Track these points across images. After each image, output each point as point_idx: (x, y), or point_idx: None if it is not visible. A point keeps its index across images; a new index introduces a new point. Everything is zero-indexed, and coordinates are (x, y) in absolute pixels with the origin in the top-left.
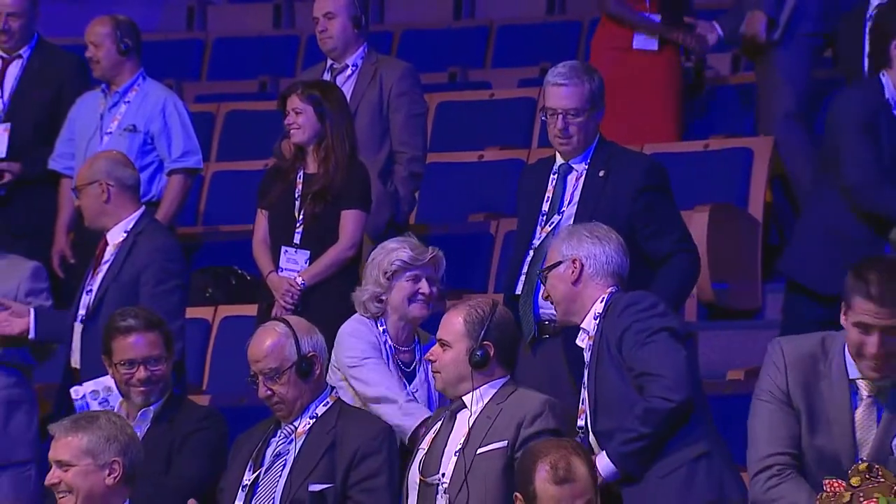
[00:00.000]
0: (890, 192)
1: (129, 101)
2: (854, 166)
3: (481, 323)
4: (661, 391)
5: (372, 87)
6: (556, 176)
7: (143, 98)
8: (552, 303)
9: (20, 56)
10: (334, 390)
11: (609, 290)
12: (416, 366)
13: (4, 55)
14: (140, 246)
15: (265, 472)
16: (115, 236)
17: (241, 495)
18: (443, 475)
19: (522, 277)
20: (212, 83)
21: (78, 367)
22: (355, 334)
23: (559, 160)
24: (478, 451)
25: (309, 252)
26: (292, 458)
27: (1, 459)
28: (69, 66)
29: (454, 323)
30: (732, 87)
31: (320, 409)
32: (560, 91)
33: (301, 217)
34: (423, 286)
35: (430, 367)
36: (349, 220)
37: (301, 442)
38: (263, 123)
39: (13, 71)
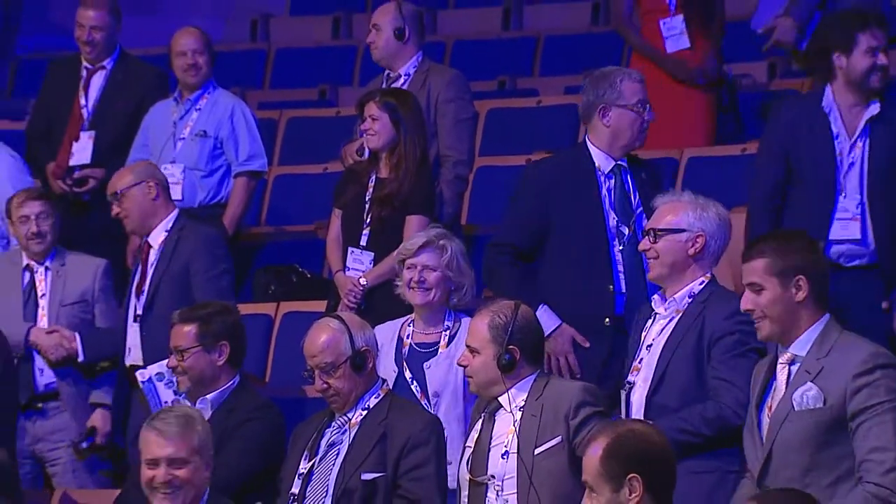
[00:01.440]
0: (757, 221)
1: (200, 109)
2: (760, 188)
3: (505, 328)
4: (735, 405)
5: (421, 94)
6: (612, 176)
7: (213, 105)
8: (648, 258)
9: (104, 67)
10: (385, 383)
11: (708, 274)
12: (438, 347)
13: (89, 66)
14: (185, 239)
15: (320, 461)
16: (157, 237)
17: (297, 483)
18: (492, 476)
19: (621, 276)
20: (274, 91)
21: (136, 363)
22: (378, 329)
23: (605, 161)
24: (536, 452)
25: (373, 254)
26: (345, 447)
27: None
28: (150, 78)
29: (480, 329)
30: (770, 93)
31: (372, 401)
32: (645, 86)
33: (368, 220)
34: (415, 274)
35: (455, 347)
36: (413, 225)
37: (354, 432)
38: (323, 129)
39: (97, 81)
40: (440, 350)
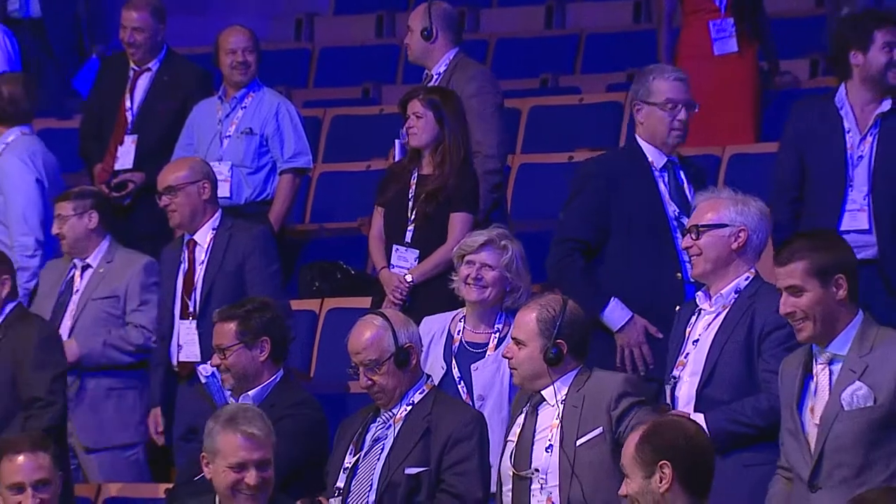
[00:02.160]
0: (778, 213)
1: (245, 107)
2: (773, 179)
3: (553, 322)
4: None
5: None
6: (666, 172)
7: (259, 103)
8: (691, 256)
9: (149, 69)
10: (430, 378)
11: (752, 269)
12: (487, 348)
13: (135, 67)
14: (238, 236)
15: (364, 456)
16: (204, 235)
17: (342, 477)
18: (536, 470)
19: (688, 265)
20: (318, 90)
21: (190, 359)
22: (423, 324)
23: (657, 157)
24: (577, 444)
25: (418, 251)
26: (390, 442)
27: (107, 443)
28: (195, 78)
29: (527, 322)
30: (810, 90)
31: (416, 397)
32: (681, 85)
33: (413, 217)
34: (472, 271)
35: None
36: (457, 222)
37: (398, 428)
38: (366, 127)
39: (143, 83)
40: (488, 352)
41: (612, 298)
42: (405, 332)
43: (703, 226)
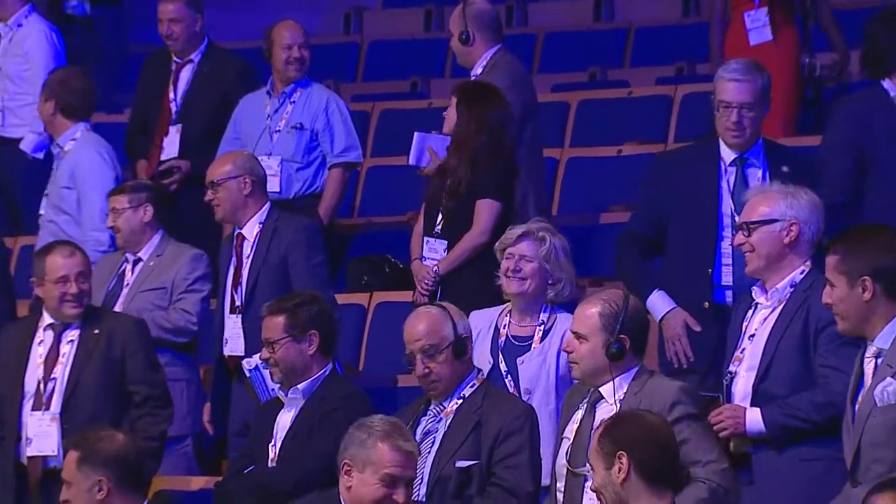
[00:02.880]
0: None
1: (294, 102)
2: (826, 184)
3: (616, 317)
4: (845, 391)
5: None
6: (734, 168)
7: (308, 98)
8: (744, 252)
9: (191, 61)
10: (480, 372)
11: (808, 262)
12: (532, 342)
13: (178, 59)
14: (282, 230)
15: None
16: (251, 229)
17: None
18: (591, 468)
19: (724, 264)
20: (367, 84)
21: (236, 354)
22: (470, 318)
23: (727, 153)
24: None
25: (447, 242)
26: (440, 436)
27: None
28: (236, 70)
29: (589, 316)
30: (861, 83)
31: (467, 391)
32: (736, 86)
33: (442, 209)
34: (511, 263)
35: (549, 343)
36: (482, 209)
37: (449, 421)
38: (415, 121)
39: (185, 75)
40: (534, 345)
41: (656, 289)
42: (462, 323)
43: (753, 222)
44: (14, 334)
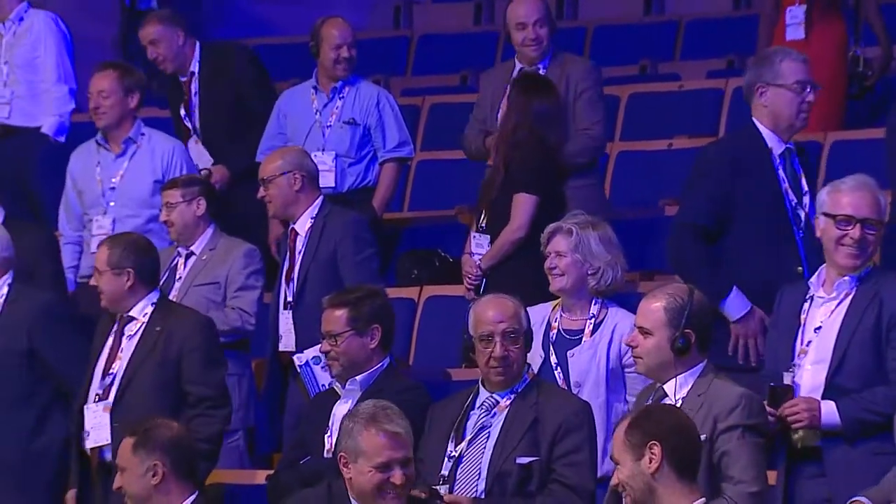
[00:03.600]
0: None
1: (343, 97)
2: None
3: (681, 311)
4: None
5: (560, 85)
6: (785, 160)
7: (357, 93)
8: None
9: (193, 72)
10: (531, 367)
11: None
12: (583, 335)
13: (183, 77)
14: (331, 225)
15: (469, 444)
16: (303, 224)
17: (447, 465)
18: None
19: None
20: (417, 78)
21: (288, 349)
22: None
23: (776, 143)
24: None
25: (489, 236)
26: (496, 431)
27: None
28: (235, 58)
29: (654, 311)
30: None
31: (520, 385)
32: (808, 67)
33: (486, 201)
34: (548, 261)
35: (599, 336)
36: (518, 203)
37: (504, 416)
38: (465, 115)
39: (194, 87)
40: (584, 338)
41: (734, 288)
42: (528, 320)
43: (869, 220)
44: (102, 326)
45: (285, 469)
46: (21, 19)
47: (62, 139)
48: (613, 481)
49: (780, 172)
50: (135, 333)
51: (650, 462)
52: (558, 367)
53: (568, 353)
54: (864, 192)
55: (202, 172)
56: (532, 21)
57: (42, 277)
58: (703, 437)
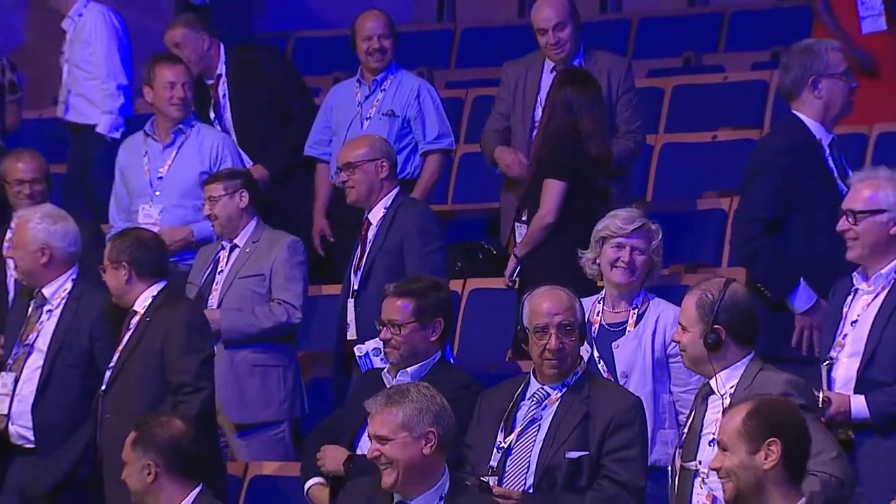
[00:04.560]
0: None
1: (385, 89)
2: None
3: (711, 307)
4: None
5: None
6: (833, 151)
7: (398, 85)
8: (847, 239)
9: (220, 74)
10: (582, 360)
11: None
12: (627, 326)
13: (209, 80)
14: (401, 216)
15: (518, 437)
16: (377, 214)
17: (496, 455)
18: (699, 462)
19: None
20: (460, 70)
21: (354, 338)
22: None
23: (824, 135)
24: None
25: (527, 226)
26: (546, 424)
27: (250, 419)
28: (263, 58)
29: (689, 308)
30: None
31: (571, 380)
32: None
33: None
34: (624, 254)
35: (643, 326)
36: (546, 189)
37: (555, 409)
38: None
39: (222, 89)
40: (628, 329)
41: (801, 281)
42: (583, 314)
43: (859, 211)
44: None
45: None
46: (80, 14)
47: (118, 135)
48: (715, 464)
49: (830, 163)
50: (132, 327)
51: (766, 458)
52: (601, 361)
53: (613, 344)
54: (867, 183)
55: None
56: (551, 25)
57: (91, 272)
58: None
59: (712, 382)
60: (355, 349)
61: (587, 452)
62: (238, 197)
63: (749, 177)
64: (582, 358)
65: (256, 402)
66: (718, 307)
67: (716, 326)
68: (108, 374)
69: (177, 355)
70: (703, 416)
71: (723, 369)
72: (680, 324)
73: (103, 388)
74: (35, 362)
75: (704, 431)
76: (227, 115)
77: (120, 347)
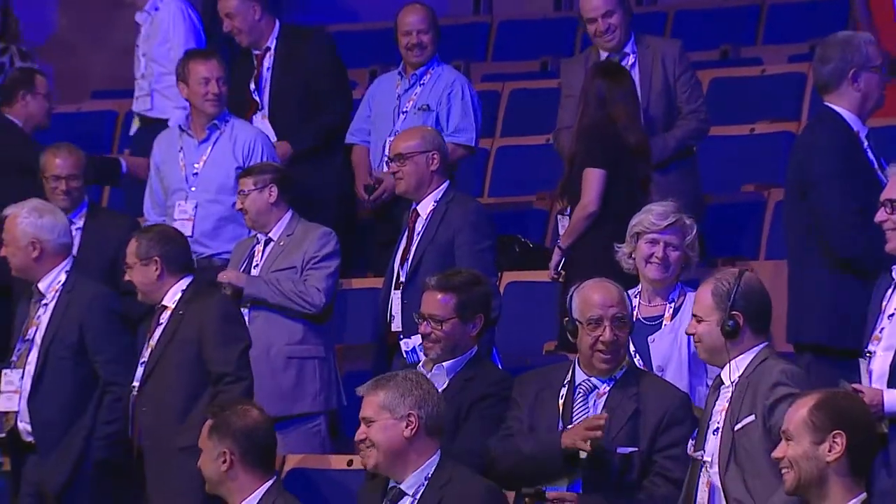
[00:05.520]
0: None
1: (423, 84)
2: None
3: (728, 295)
4: None
5: (656, 69)
6: (870, 144)
7: (436, 80)
8: (887, 230)
9: (269, 48)
10: (628, 353)
11: None
12: (663, 319)
13: (256, 51)
14: (453, 211)
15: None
16: (426, 206)
17: None
18: (703, 451)
19: None
20: (497, 63)
21: (399, 330)
22: None
23: (861, 127)
24: (735, 428)
25: (568, 218)
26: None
27: (284, 412)
28: (312, 42)
29: (704, 298)
30: None
31: (619, 374)
32: None
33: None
34: (658, 250)
35: (679, 320)
36: (585, 178)
37: (603, 403)
38: (545, 101)
39: (267, 63)
40: (665, 323)
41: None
42: (630, 308)
43: None
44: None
45: None
46: (156, 8)
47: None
48: (778, 453)
49: (870, 155)
50: (163, 321)
51: (830, 450)
52: (637, 354)
53: (649, 338)
54: None
55: None
56: (600, 14)
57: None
58: (751, 418)
59: (724, 372)
60: (402, 343)
61: (637, 448)
62: (268, 192)
63: (828, 169)
64: (629, 352)
65: (292, 394)
66: (736, 294)
67: (733, 313)
68: (140, 369)
69: (215, 346)
70: (713, 406)
71: (738, 356)
72: (694, 315)
73: (137, 383)
74: (34, 357)
75: (711, 421)
76: (266, 88)
77: (152, 342)
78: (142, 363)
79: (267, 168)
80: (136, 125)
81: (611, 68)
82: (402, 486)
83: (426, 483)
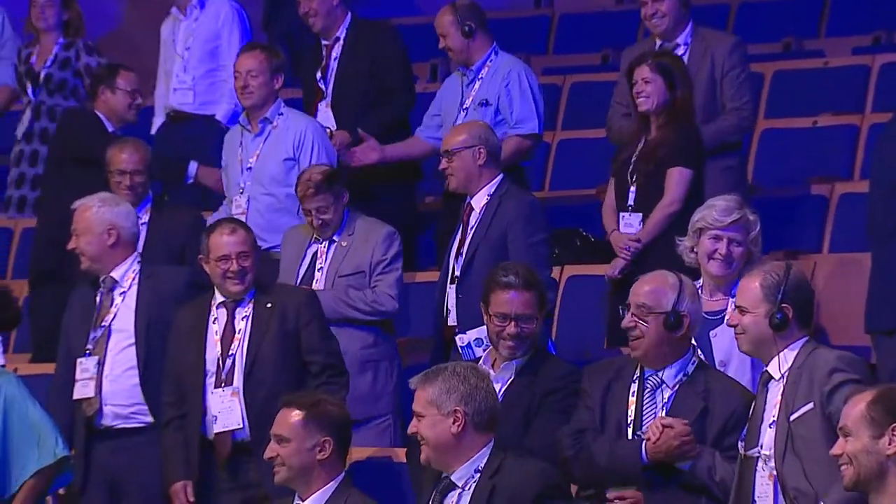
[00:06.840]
0: None
1: (482, 78)
2: None
3: (777, 287)
4: None
5: (704, 62)
6: None
7: (495, 73)
8: None
9: (338, 38)
10: (697, 350)
11: None
12: (724, 314)
13: (326, 41)
14: (506, 205)
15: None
16: (480, 200)
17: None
18: (761, 447)
19: None
20: (557, 57)
21: (455, 324)
22: None
23: None
24: (791, 419)
25: (641, 215)
26: (660, 412)
27: (363, 415)
28: (381, 35)
29: (751, 289)
30: None
31: (690, 368)
32: None
33: (633, 179)
34: (721, 246)
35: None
36: (672, 177)
37: (671, 396)
38: (606, 94)
39: (335, 52)
40: (726, 317)
41: None
42: (690, 303)
43: None
44: (188, 314)
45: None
46: (203, 6)
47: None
48: (837, 450)
49: None
50: (248, 314)
51: (889, 444)
52: (698, 349)
53: (710, 332)
54: None
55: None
56: None
57: (191, 260)
58: (809, 406)
59: (772, 366)
60: (457, 338)
61: (703, 445)
62: (344, 197)
63: (883, 160)
64: (696, 347)
65: (367, 397)
66: (786, 287)
67: (783, 305)
68: (229, 365)
69: (318, 338)
70: (765, 402)
71: (784, 349)
72: (738, 306)
73: (237, 381)
74: (119, 343)
75: (766, 416)
76: (332, 77)
77: (238, 337)
78: (230, 356)
79: (333, 177)
80: (158, 121)
81: (677, 60)
82: (453, 478)
83: (477, 475)
